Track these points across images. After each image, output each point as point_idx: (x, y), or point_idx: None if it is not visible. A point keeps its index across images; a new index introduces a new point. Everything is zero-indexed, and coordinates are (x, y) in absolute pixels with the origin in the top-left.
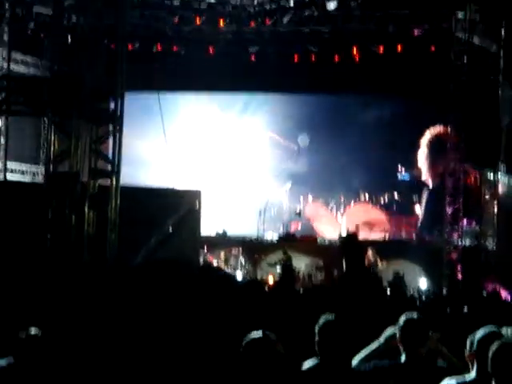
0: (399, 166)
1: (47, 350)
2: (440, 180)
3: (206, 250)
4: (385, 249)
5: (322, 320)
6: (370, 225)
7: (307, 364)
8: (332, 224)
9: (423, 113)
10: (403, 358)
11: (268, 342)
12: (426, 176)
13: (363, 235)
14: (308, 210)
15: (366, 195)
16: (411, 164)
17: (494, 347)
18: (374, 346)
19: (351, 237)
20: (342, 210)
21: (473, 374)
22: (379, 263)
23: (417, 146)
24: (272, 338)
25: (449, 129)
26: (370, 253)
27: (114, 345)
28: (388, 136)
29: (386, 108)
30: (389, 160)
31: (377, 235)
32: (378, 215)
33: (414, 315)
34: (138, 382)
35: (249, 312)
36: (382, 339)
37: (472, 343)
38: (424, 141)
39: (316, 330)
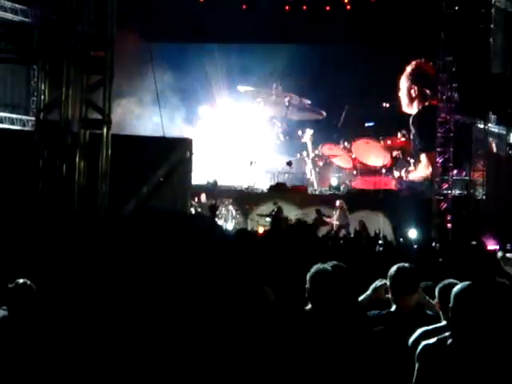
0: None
1: (38, 299)
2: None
3: (196, 200)
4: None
5: (313, 269)
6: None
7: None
8: (345, 157)
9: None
10: (393, 307)
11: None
12: (407, 106)
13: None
14: (325, 149)
15: None
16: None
17: (454, 291)
18: (362, 297)
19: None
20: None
21: (444, 322)
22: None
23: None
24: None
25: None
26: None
27: (108, 295)
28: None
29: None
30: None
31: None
32: (376, 146)
33: (406, 264)
34: (133, 334)
35: (238, 262)
36: (369, 291)
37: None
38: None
39: (307, 278)
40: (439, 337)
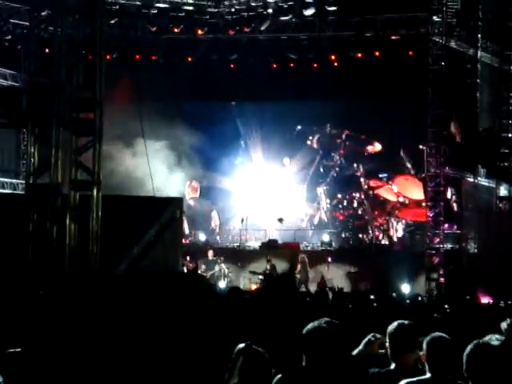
0: None
1: (30, 365)
2: None
3: (188, 258)
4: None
5: (308, 326)
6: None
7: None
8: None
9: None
10: (393, 366)
11: (253, 352)
12: None
13: None
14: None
15: None
16: None
17: (468, 349)
18: (354, 352)
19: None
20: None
21: (428, 374)
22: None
23: None
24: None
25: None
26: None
27: (99, 355)
28: None
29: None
30: None
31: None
32: (415, 181)
33: (405, 321)
34: None
35: (230, 320)
36: (361, 345)
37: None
38: None
39: (303, 335)
40: None
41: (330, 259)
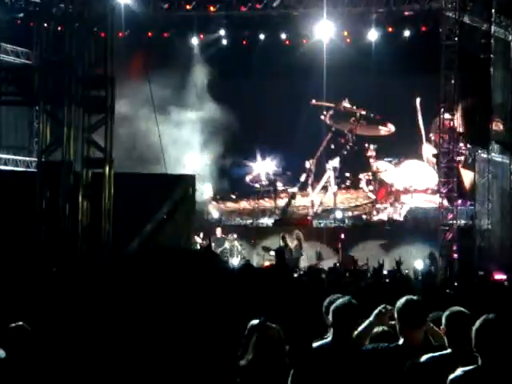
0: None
1: (38, 342)
2: None
3: (201, 235)
4: None
5: (338, 302)
6: None
7: (318, 343)
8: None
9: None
10: (401, 341)
11: (267, 328)
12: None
13: None
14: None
15: None
16: None
17: (477, 324)
18: (365, 323)
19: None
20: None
21: (448, 350)
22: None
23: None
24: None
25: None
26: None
27: (112, 336)
28: None
29: None
30: None
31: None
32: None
33: (414, 297)
34: (137, 373)
35: (243, 296)
36: (372, 317)
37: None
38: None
39: (331, 311)
40: (464, 369)
41: (343, 236)
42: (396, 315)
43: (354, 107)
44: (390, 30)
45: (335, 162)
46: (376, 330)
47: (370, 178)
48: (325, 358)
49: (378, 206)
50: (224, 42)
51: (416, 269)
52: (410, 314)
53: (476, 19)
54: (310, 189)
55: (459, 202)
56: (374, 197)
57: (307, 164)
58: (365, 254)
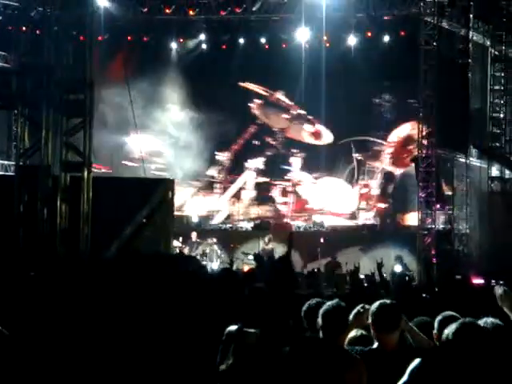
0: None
1: (17, 347)
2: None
3: (180, 240)
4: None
5: (327, 305)
6: None
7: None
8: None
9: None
10: (375, 345)
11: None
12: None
13: None
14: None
15: None
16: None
17: (453, 327)
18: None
19: None
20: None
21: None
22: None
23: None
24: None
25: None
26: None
27: (89, 339)
28: None
29: None
30: None
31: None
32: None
33: (387, 301)
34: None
35: (222, 301)
36: (350, 317)
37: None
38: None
39: (321, 314)
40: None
41: (322, 240)
42: (370, 319)
43: (292, 104)
44: (369, 34)
45: (257, 163)
46: (354, 333)
47: (289, 189)
48: (314, 361)
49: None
50: (204, 46)
51: (394, 272)
52: (383, 318)
53: (454, 24)
54: (218, 190)
55: (437, 206)
56: (285, 209)
57: (220, 156)
58: (345, 258)
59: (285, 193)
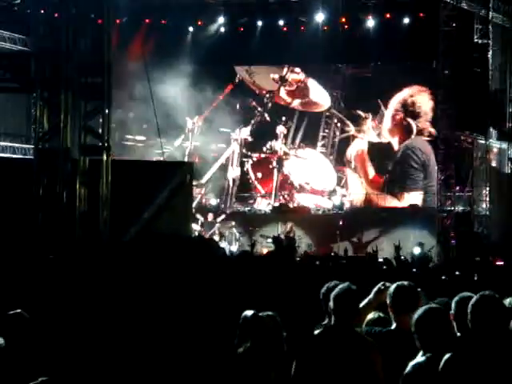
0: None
1: (37, 328)
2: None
3: (199, 223)
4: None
5: (338, 289)
6: None
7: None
8: None
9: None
10: (394, 325)
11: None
12: (388, 131)
13: None
14: None
15: None
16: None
17: (473, 301)
18: (364, 301)
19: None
20: None
21: (458, 333)
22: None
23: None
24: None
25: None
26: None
27: (110, 323)
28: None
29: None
30: None
31: None
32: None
33: (405, 282)
34: (135, 359)
35: (241, 283)
36: (371, 294)
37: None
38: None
39: (332, 297)
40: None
41: (341, 223)
42: (388, 301)
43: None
44: (388, 16)
45: (244, 133)
46: (372, 315)
47: (274, 164)
48: (327, 345)
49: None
50: (222, 29)
51: (414, 254)
52: (401, 299)
53: (474, 5)
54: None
55: (457, 188)
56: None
57: (189, 123)
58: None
59: (266, 168)
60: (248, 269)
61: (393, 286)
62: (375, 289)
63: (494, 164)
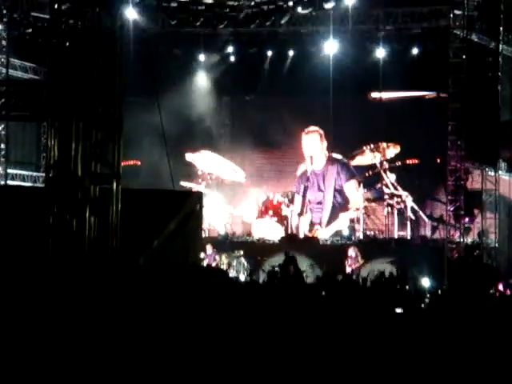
0: None
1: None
2: None
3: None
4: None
5: None
6: None
7: None
8: None
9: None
10: None
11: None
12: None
13: None
14: None
15: None
16: None
17: None
18: None
19: None
20: None
21: None
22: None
23: None
24: None
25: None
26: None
27: (118, 349)
28: None
29: None
30: None
31: None
32: None
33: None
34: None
35: (248, 312)
36: None
37: None
38: None
39: None
40: None
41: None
42: None
43: None
44: (397, 47)
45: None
46: None
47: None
48: None
49: None
50: (231, 58)
51: (423, 286)
52: None
53: (484, 37)
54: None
55: (466, 219)
56: None
57: None
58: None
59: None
60: (256, 298)
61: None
62: None
63: (503, 195)
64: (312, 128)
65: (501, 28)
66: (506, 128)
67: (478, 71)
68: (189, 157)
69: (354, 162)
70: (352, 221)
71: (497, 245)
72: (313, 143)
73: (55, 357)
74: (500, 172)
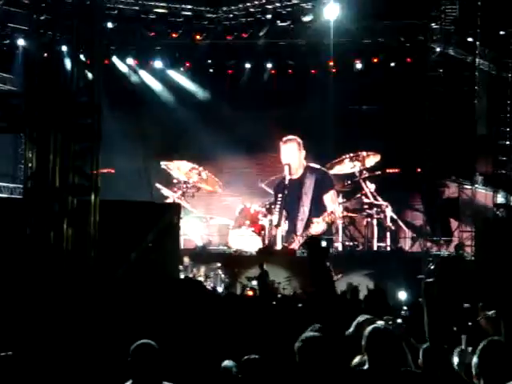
0: None
1: (23, 369)
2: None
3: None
4: None
5: (301, 338)
6: None
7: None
8: None
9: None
10: (366, 365)
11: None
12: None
13: None
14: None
15: None
16: None
17: (366, 331)
18: (346, 333)
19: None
20: None
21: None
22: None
23: None
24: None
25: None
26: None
27: (95, 360)
28: None
29: None
30: None
31: None
32: None
33: (381, 325)
34: None
35: (226, 326)
36: (352, 328)
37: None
38: None
39: (296, 348)
40: None
41: (328, 264)
42: (363, 342)
43: None
44: (375, 60)
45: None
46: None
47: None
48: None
49: None
50: (210, 70)
51: (400, 300)
52: (375, 343)
53: (461, 51)
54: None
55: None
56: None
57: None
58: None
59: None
60: (234, 311)
61: (367, 330)
62: (355, 323)
63: (479, 209)
64: (290, 137)
65: (477, 42)
66: (482, 142)
67: (454, 85)
68: (164, 165)
69: (332, 172)
70: (330, 232)
71: (473, 258)
72: (291, 152)
73: (29, 372)
74: (476, 185)
